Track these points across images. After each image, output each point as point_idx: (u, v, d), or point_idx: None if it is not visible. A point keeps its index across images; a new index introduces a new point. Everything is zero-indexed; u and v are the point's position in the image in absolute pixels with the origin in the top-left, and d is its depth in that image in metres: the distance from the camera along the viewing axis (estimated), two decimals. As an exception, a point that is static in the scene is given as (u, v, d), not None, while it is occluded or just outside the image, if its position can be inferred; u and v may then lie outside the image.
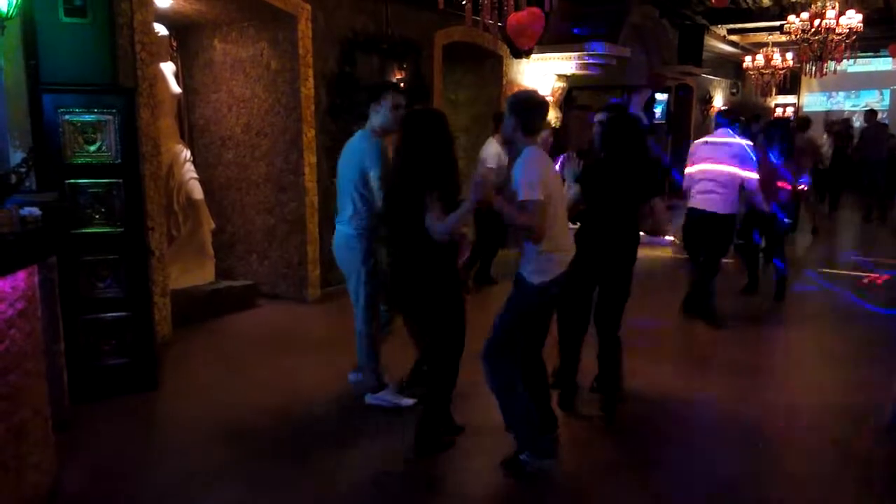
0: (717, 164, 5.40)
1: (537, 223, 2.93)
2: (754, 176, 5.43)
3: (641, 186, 3.73)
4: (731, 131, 5.56)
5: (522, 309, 3.16)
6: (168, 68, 5.66)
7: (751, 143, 5.70)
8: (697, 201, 5.48)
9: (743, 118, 6.97)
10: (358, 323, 3.94)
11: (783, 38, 12.70)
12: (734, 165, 5.35)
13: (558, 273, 3.10)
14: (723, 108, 6.31)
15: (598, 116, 4.06)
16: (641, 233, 3.88)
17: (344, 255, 3.89)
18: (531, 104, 3.12)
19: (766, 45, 14.79)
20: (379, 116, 3.77)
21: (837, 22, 10.62)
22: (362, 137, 3.79)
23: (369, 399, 3.98)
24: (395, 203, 3.31)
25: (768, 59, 14.37)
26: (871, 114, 12.24)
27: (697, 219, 5.48)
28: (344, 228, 3.85)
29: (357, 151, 3.75)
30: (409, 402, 3.93)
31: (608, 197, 3.69)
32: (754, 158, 5.47)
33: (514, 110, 3.08)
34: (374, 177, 3.63)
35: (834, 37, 10.78)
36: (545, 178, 2.98)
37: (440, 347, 3.36)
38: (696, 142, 5.87)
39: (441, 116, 3.34)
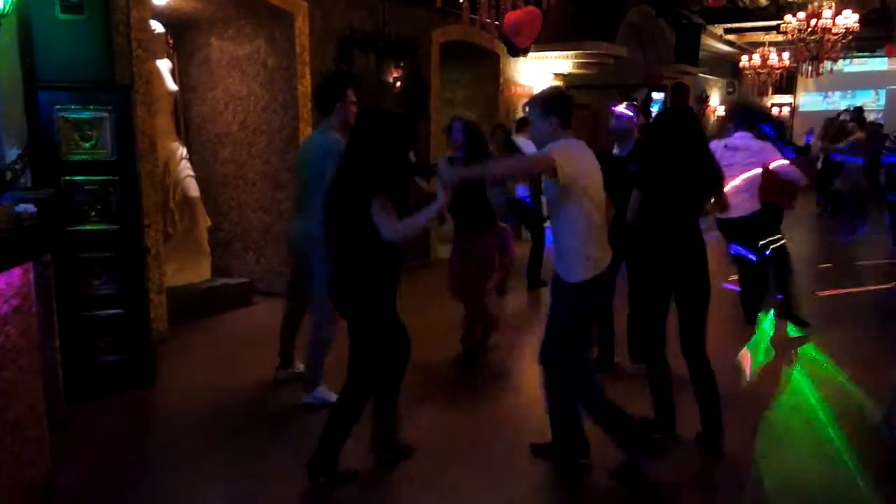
0: (742, 171, 5.29)
1: (544, 160, 2.87)
2: (783, 161, 5.29)
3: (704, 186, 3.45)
4: (748, 135, 5.47)
5: (566, 309, 3.05)
6: (164, 65, 5.65)
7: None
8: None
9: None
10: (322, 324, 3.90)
11: (780, 38, 12.75)
12: (756, 166, 5.29)
13: (593, 274, 2.96)
14: (741, 108, 6.09)
15: (621, 108, 4.02)
16: None
17: (311, 252, 3.83)
18: (566, 98, 3.09)
19: (762, 44, 14.83)
20: (341, 112, 3.82)
21: (834, 22, 10.66)
22: (324, 134, 3.83)
23: (307, 398, 3.96)
24: (337, 204, 3.03)
25: (765, 59, 14.42)
26: (857, 111, 12.05)
27: (731, 227, 5.38)
28: (310, 225, 3.78)
29: (320, 148, 3.76)
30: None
31: (671, 198, 3.37)
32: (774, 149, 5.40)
33: (553, 108, 3.00)
34: (313, 168, 3.67)
35: (830, 36, 10.83)
36: (574, 162, 2.87)
37: (363, 362, 3.11)
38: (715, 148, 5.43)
39: (396, 117, 3.12)
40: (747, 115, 5.65)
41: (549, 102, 3.04)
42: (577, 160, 2.91)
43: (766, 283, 5.87)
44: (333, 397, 3.72)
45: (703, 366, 3.39)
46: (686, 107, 3.79)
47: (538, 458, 3.33)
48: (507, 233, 4.69)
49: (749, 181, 5.32)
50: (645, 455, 3.09)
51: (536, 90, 9.63)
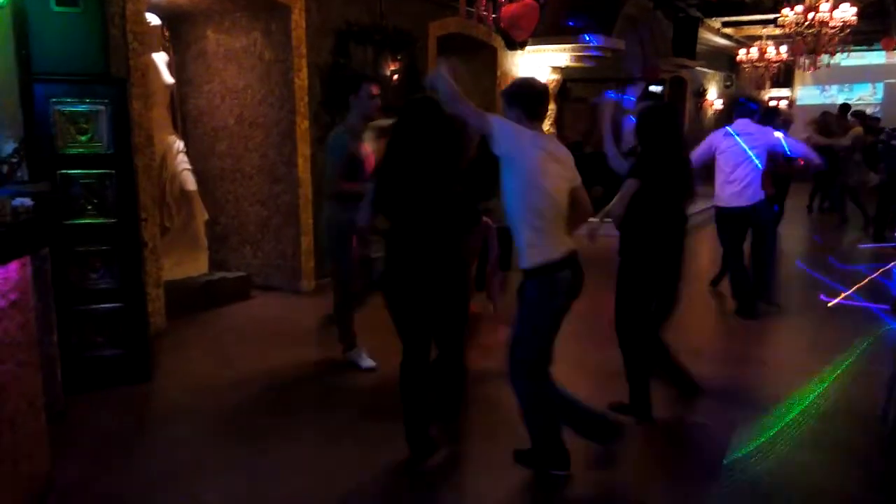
0: (745, 158, 5.37)
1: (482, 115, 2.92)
2: (787, 142, 5.49)
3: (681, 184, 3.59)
4: (747, 120, 5.55)
5: (532, 303, 2.99)
6: (160, 58, 5.62)
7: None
8: (732, 198, 5.42)
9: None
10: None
11: (777, 32, 12.75)
12: (760, 149, 5.37)
13: (554, 257, 2.91)
14: (742, 98, 6.16)
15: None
16: None
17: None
18: (531, 92, 3.03)
19: (760, 38, 14.83)
20: (358, 106, 4.17)
21: (831, 15, 10.65)
22: (335, 132, 4.23)
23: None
24: (393, 195, 3.14)
25: (762, 53, 14.40)
26: (844, 108, 11.83)
27: (737, 216, 5.44)
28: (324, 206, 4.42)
29: (329, 146, 4.20)
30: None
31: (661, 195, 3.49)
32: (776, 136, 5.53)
33: (515, 100, 2.99)
34: (327, 162, 4.24)
35: (827, 30, 10.81)
36: (512, 140, 2.87)
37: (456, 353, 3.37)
38: (716, 136, 5.68)
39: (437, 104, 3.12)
40: (745, 103, 5.75)
41: (511, 94, 3.02)
42: (518, 140, 2.88)
43: (750, 273, 5.93)
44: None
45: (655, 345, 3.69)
46: (667, 103, 4.03)
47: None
48: (491, 231, 4.70)
49: (755, 172, 5.38)
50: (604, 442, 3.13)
51: (538, 78, 9.65)
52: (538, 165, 2.88)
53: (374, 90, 4.16)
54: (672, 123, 3.58)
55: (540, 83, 3.17)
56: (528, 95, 3.00)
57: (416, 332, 3.18)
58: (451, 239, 3.18)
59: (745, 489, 3.09)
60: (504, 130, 2.88)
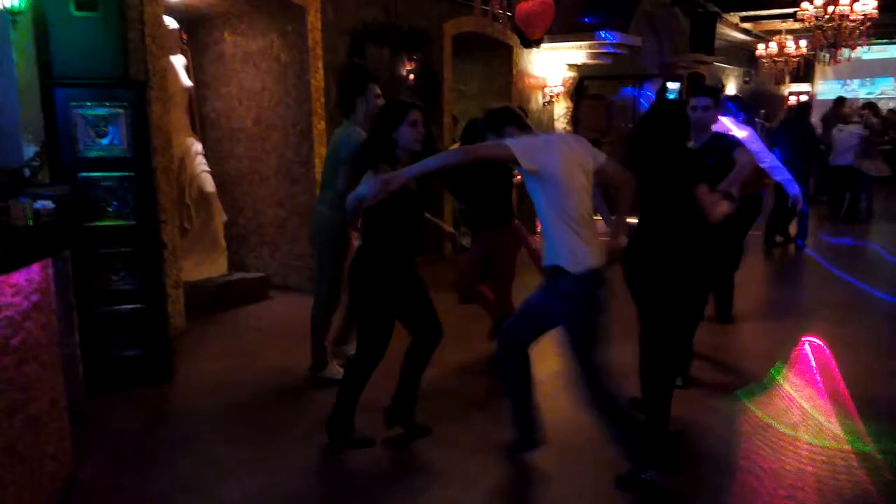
0: None
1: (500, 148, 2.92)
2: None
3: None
4: (733, 119, 5.48)
5: (565, 296, 2.93)
6: (178, 61, 5.67)
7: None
8: None
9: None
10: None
11: (797, 26, 12.59)
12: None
13: (582, 269, 2.85)
14: (723, 96, 6.04)
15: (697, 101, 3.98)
16: None
17: (318, 235, 4.18)
18: (506, 110, 3.17)
19: (779, 32, 14.66)
20: (363, 106, 4.10)
21: (851, 8, 10.51)
22: (348, 128, 4.08)
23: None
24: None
25: (781, 47, 14.23)
26: (839, 102, 11.17)
27: None
28: (323, 209, 4.13)
29: (343, 142, 4.02)
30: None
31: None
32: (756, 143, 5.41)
33: (503, 122, 3.10)
34: (339, 160, 3.96)
35: (848, 23, 10.67)
36: (534, 151, 2.88)
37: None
38: None
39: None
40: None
41: (494, 120, 3.10)
42: (537, 150, 2.89)
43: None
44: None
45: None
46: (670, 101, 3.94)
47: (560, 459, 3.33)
48: (522, 232, 4.65)
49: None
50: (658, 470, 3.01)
51: (550, 81, 9.61)
52: (565, 170, 2.88)
53: (378, 91, 4.16)
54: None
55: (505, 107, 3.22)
56: (508, 115, 3.11)
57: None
58: None
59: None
60: (525, 147, 2.88)
